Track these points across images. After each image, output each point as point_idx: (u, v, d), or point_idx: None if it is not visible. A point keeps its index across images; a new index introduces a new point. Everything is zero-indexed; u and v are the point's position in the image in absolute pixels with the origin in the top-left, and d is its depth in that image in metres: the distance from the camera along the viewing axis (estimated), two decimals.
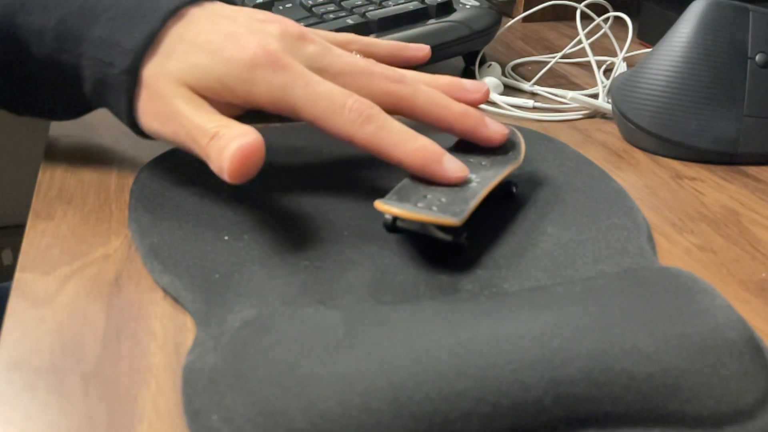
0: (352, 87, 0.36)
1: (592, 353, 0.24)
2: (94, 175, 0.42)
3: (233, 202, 0.38)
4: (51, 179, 0.41)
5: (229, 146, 0.32)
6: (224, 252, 0.34)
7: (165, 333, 0.30)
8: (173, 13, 0.37)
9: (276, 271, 0.32)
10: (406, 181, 0.35)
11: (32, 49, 0.39)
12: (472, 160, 0.37)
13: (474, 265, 0.33)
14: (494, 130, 0.38)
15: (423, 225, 0.33)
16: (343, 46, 0.43)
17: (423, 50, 0.45)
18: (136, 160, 0.43)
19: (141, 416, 0.26)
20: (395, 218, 0.34)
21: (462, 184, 0.35)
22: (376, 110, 0.35)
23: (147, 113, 0.37)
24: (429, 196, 0.33)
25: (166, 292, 0.32)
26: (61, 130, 0.47)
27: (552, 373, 0.24)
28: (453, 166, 0.35)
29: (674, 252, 0.37)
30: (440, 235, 0.33)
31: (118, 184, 0.41)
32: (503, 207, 0.38)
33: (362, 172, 0.41)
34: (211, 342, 0.27)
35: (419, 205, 0.33)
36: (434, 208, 0.32)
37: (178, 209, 0.37)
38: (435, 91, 0.38)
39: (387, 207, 0.32)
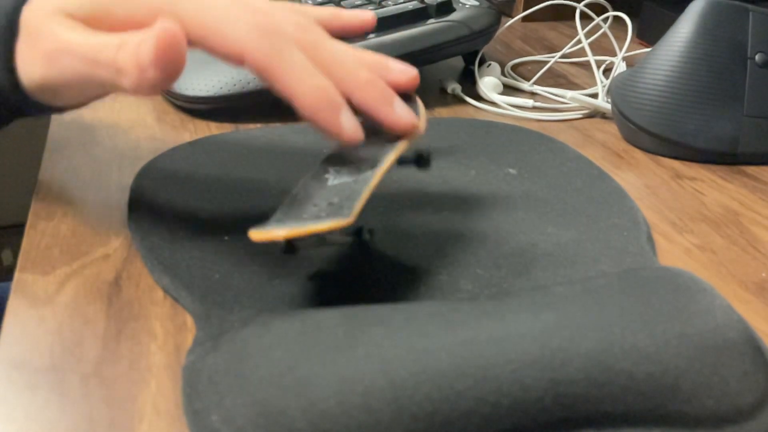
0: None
1: (592, 353, 0.24)
2: (94, 175, 0.42)
3: (233, 202, 0.38)
4: (51, 179, 0.41)
5: (146, 39, 0.28)
6: (224, 252, 0.34)
7: (165, 333, 0.30)
8: None
9: (276, 271, 0.32)
10: (289, 198, 0.31)
11: None
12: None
13: (474, 265, 0.33)
14: (400, 114, 0.31)
15: (318, 236, 0.29)
16: None
17: (365, 16, 0.37)
18: (136, 160, 0.43)
19: (141, 416, 0.26)
20: (287, 240, 0.29)
21: (356, 162, 0.30)
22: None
23: (28, 59, 0.33)
24: (318, 204, 0.29)
25: (166, 292, 0.32)
26: (62, 130, 0.47)
27: (552, 373, 0.24)
28: (348, 123, 0.30)
29: (674, 252, 0.37)
30: (340, 239, 0.29)
31: (118, 184, 0.41)
32: (502, 207, 0.38)
33: None
34: (211, 342, 0.27)
35: (305, 216, 0.28)
36: (323, 215, 0.28)
37: (178, 209, 0.37)
38: (347, 47, 0.32)
39: (265, 234, 0.27)
